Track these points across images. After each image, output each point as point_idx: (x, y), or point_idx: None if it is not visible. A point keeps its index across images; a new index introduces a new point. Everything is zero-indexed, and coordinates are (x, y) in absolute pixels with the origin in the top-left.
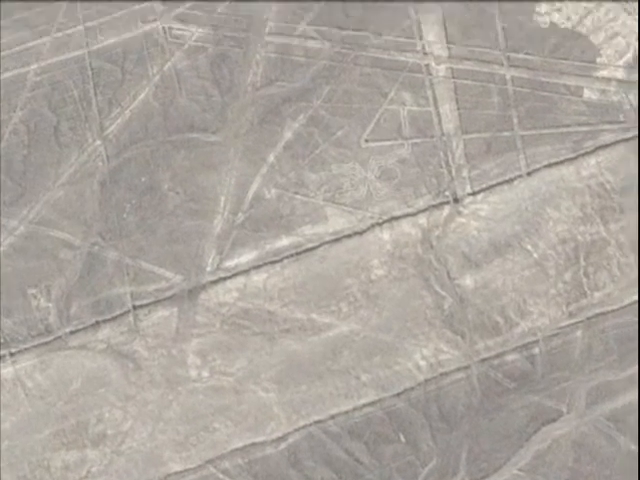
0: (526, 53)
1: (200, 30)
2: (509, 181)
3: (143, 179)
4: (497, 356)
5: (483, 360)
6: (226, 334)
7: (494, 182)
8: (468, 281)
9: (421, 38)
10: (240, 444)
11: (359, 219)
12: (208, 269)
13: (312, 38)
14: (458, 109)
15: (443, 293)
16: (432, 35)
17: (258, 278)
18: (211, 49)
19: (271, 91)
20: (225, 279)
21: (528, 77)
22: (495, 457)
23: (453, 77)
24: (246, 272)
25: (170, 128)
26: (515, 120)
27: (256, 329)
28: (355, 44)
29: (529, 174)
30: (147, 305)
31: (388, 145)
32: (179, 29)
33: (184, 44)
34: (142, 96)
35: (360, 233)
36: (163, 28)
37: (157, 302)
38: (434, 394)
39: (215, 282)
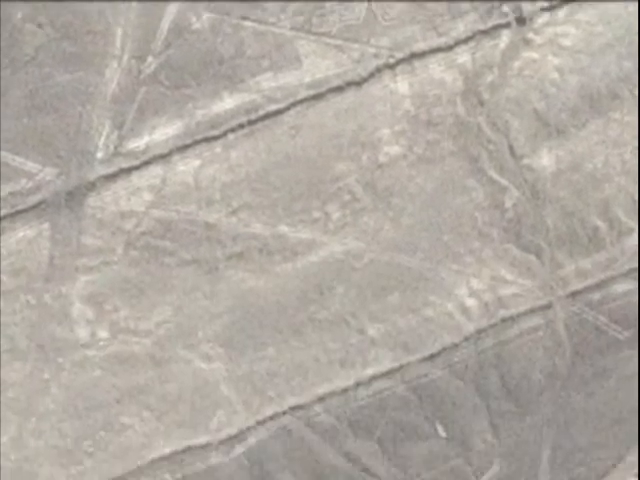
0: None
1: None
2: None
3: None
4: (597, 287)
5: (574, 294)
6: (135, 266)
7: None
8: (545, 160)
9: None
10: (167, 450)
11: (355, 59)
12: (99, 155)
13: None
14: None
15: (503, 182)
16: None
17: (185, 168)
18: None
19: None
20: (129, 171)
21: None
22: (597, 457)
23: None
24: (165, 158)
25: None
26: None
27: (186, 255)
28: None
29: None
30: None
31: None
32: None
33: None
34: None
35: (358, 83)
36: None
37: (15, 215)
38: (493, 354)
39: (112, 177)
